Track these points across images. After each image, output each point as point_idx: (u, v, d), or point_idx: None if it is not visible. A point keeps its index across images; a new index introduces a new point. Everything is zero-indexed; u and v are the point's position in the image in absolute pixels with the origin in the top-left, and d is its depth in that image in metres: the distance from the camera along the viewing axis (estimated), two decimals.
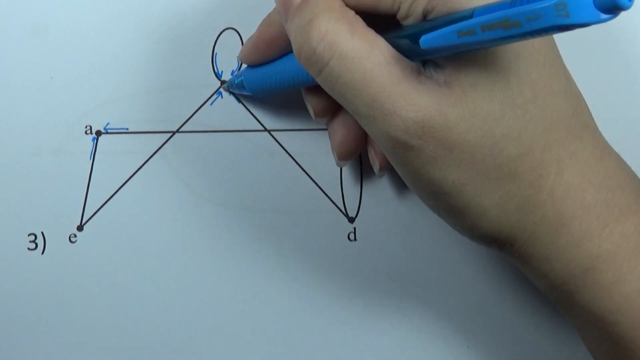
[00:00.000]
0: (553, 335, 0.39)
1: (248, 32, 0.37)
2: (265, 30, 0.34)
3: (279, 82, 0.34)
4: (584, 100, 0.32)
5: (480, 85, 0.28)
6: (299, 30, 0.30)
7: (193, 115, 0.37)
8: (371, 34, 0.29)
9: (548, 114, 0.30)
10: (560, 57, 0.31)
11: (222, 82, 0.37)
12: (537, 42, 0.29)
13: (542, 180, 0.30)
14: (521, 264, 0.32)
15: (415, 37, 0.28)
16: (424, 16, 0.29)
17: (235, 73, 0.37)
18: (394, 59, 0.29)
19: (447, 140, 0.29)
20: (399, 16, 0.29)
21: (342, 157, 0.35)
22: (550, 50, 0.30)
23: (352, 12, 0.30)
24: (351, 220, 0.38)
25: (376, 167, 0.36)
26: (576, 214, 0.30)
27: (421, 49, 0.27)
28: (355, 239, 0.38)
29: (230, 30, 0.37)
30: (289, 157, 0.38)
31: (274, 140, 0.38)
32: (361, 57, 0.29)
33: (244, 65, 0.37)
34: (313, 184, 0.38)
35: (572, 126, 0.31)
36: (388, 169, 0.36)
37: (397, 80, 0.28)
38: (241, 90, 0.37)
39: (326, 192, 0.38)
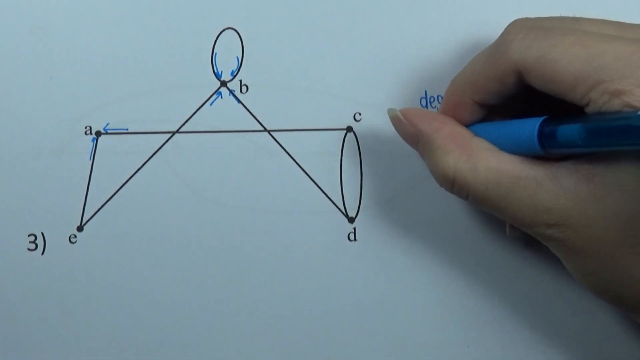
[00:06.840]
0: (553, 336, 0.38)
1: (248, 32, 0.37)
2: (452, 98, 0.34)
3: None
4: None
5: (629, 188, 0.28)
6: (431, 170, 0.33)
7: (193, 115, 0.37)
8: (493, 158, 0.31)
9: None
10: None
11: (222, 82, 0.37)
12: None
13: None
14: None
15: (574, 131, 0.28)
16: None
17: (235, 74, 0.37)
18: (524, 174, 0.30)
19: (587, 235, 0.30)
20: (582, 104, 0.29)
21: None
22: None
23: (467, 136, 0.32)
24: (351, 220, 0.38)
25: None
26: None
27: (575, 143, 0.28)
28: (355, 239, 0.38)
29: (230, 30, 0.37)
30: (289, 157, 0.38)
31: (274, 140, 0.38)
32: (492, 186, 0.31)
33: (243, 67, 0.37)
34: (313, 184, 0.38)
35: None
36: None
37: (532, 192, 0.30)
38: None
39: (326, 192, 0.38)
